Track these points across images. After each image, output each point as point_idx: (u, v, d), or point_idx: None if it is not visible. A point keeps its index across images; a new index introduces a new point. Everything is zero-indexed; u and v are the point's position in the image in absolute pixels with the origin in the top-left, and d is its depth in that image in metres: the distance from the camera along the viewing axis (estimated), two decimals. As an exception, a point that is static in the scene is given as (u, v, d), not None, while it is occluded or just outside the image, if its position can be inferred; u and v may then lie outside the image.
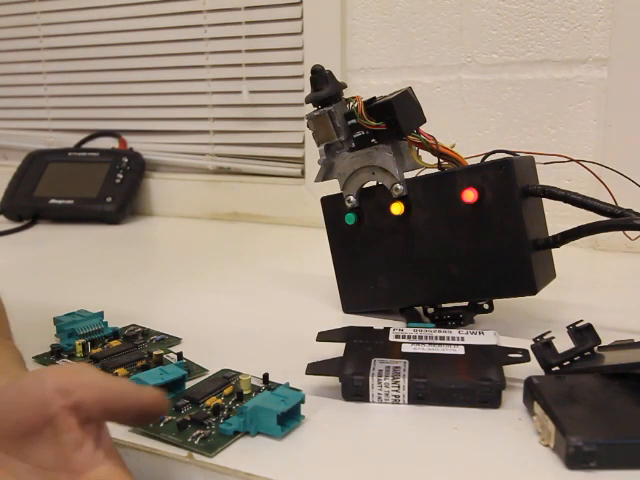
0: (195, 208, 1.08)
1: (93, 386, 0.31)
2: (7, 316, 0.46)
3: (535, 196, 0.52)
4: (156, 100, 1.12)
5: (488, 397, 0.41)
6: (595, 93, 0.80)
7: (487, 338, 0.47)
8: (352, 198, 0.56)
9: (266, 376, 0.45)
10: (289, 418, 0.39)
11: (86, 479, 0.30)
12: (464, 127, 0.87)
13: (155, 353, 0.48)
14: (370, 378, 0.42)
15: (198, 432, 0.39)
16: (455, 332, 0.48)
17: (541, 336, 0.43)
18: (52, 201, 1.06)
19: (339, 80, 0.55)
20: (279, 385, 0.43)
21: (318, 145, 0.55)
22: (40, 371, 0.32)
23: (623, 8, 0.76)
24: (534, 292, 0.50)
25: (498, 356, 0.44)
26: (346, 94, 0.55)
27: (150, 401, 0.32)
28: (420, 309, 0.57)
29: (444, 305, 0.56)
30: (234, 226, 1.03)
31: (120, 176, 1.07)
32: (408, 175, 0.54)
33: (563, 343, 0.43)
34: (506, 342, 0.47)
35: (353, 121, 0.54)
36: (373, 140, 0.54)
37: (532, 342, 0.44)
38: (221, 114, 1.07)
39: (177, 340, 0.54)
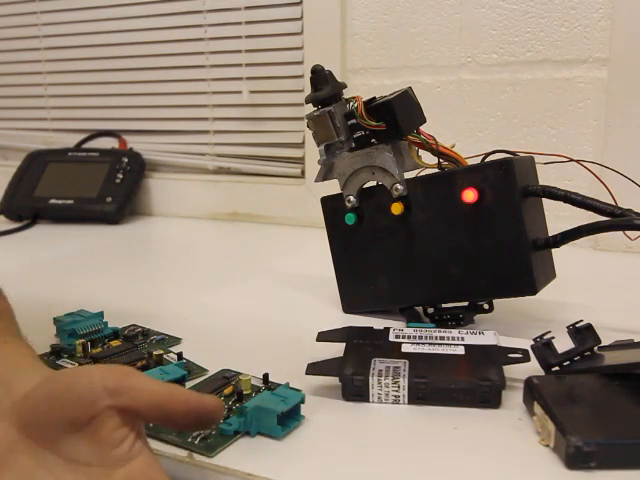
0: (195, 208, 1.08)
1: (148, 392, 0.32)
2: (14, 315, 0.46)
3: (535, 196, 0.52)
4: (156, 100, 1.12)
5: (488, 397, 0.41)
6: (595, 93, 0.80)
7: (487, 338, 0.47)
8: (352, 198, 0.56)
9: (266, 376, 0.45)
10: (289, 418, 0.39)
11: (121, 474, 0.30)
12: (464, 127, 0.87)
13: (155, 353, 0.48)
14: (370, 378, 0.42)
15: (198, 432, 0.39)
16: (455, 332, 0.48)
17: (541, 336, 0.43)
18: (52, 201, 1.06)
19: (339, 80, 0.55)
20: (279, 385, 0.43)
21: (318, 145, 0.55)
22: (87, 368, 0.33)
23: (623, 8, 0.76)
24: (534, 292, 0.50)
25: (498, 356, 0.44)
26: (346, 94, 0.55)
27: (212, 408, 0.32)
28: (420, 309, 0.57)
29: (444, 305, 0.56)
30: (234, 226, 1.03)
31: (120, 176, 1.07)
32: (408, 175, 0.54)
33: (563, 343, 0.43)
34: (506, 342, 0.47)
35: (353, 121, 0.54)
36: (373, 140, 0.54)
37: (532, 342, 0.44)
38: (221, 114, 1.07)
39: (177, 340, 0.54)
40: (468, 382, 0.42)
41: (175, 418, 0.32)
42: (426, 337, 0.47)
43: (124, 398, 0.31)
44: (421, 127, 0.54)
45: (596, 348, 0.44)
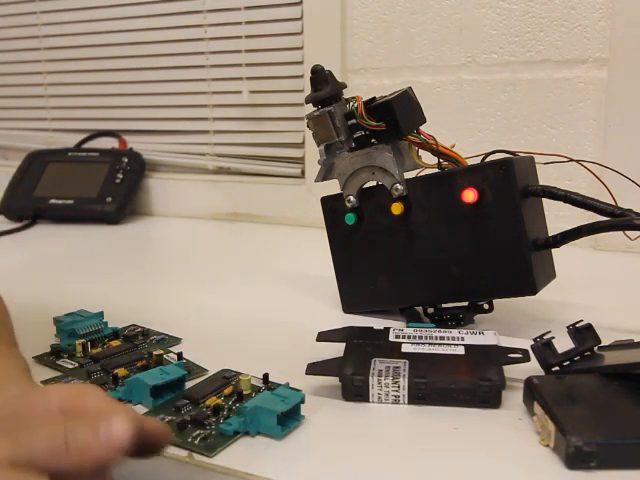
0: (195, 208, 1.08)
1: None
2: (11, 322, 0.46)
3: (535, 196, 0.52)
4: (156, 100, 1.12)
5: (488, 397, 0.41)
6: (595, 93, 0.80)
7: (487, 338, 0.47)
8: (352, 198, 0.56)
9: (266, 376, 0.45)
10: (289, 418, 0.39)
11: None
12: (464, 127, 0.87)
13: (155, 353, 0.48)
14: (370, 378, 0.42)
15: (198, 432, 0.39)
16: (455, 332, 0.48)
17: (541, 336, 0.43)
18: (52, 201, 1.07)
19: (339, 80, 0.55)
20: (279, 385, 0.43)
21: (318, 145, 0.55)
22: (47, 388, 0.32)
23: (623, 8, 0.76)
24: (534, 292, 0.50)
25: (498, 356, 0.44)
26: (346, 94, 0.55)
27: (154, 432, 0.31)
28: (420, 309, 0.57)
29: (444, 305, 0.56)
30: (234, 226, 1.03)
31: (120, 176, 1.07)
32: (408, 175, 0.54)
33: (563, 343, 0.43)
34: (506, 342, 0.47)
35: (353, 121, 0.54)
36: (373, 140, 0.54)
37: (532, 342, 0.44)
38: (221, 114, 1.07)
39: (177, 340, 0.54)
40: (468, 382, 0.42)
41: None
42: (426, 337, 0.47)
43: None
44: (421, 127, 0.54)
45: (596, 348, 0.44)
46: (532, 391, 0.40)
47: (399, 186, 0.54)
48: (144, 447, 0.31)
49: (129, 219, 1.08)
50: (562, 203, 0.52)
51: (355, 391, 0.43)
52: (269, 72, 1.01)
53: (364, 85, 0.93)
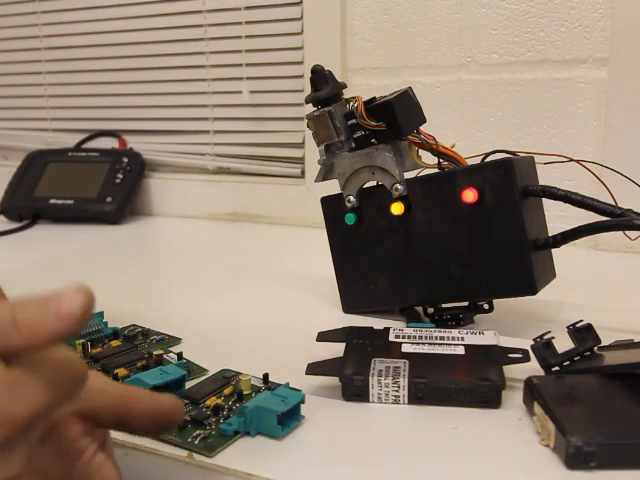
0: (195, 208, 1.08)
1: (105, 393, 0.31)
2: None
3: (535, 196, 0.52)
4: (156, 100, 1.12)
5: (488, 397, 0.41)
6: (595, 93, 0.80)
7: (487, 338, 0.47)
8: (352, 198, 0.56)
9: (266, 376, 0.45)
10: (289, 418, 0.40)
11: None
12: (464, 127, 0.87)
13: (155, 353, 0.48)
14: (370, 378, 0.42)
15: (198, 432, 0.39)
16: (455, 332, 0.48)
17: (541, 336, 0.43)
18: (52, 201, 1.06)
19: (339, 80, 0.55)
20: (279, 385, 0.43)
21: (318, 145, 0.55)
22: None
23: (623, 8, 0.76)
24: (534, 292, 0.50)
25: (498, 356, 0.44)
26: (346, 94, 0.55)
27: (166, 407, 0.31)
28: (420, 309, 0.57)
29: (444, 305, 0.56)
30: (234, 226, 1.03)
31: (120, 176, 1.07)
32: (408, 175, 0.54)
33: (563, 343, 0.43)
34: (506, 342, 0.47)
35: (353, 121, 0.54)
36: (373, 140, 0.54)
37: (532, 342, 0.44)
38: (221, 114, 1.07)
39: (177, 340, 0.54)
40: (468, 382, 0.42)
41: (128, 420, 0.31)
42: (426, 337, 0.47)
43: (82, 403, 0.30)
44: (421, 127, 0.54)
45: (596, 348, 0.44)
46: (532, 391, 0.40)
47: (399, 186, 0.54)
48: (159, 424, 0.31)
49: (129, 219, 1.08)
50: (562, 203, 0.52)
51: (355, 391, 0.43)
52: (269, 72, 1.01)
53: (364, 85, 0.93)
